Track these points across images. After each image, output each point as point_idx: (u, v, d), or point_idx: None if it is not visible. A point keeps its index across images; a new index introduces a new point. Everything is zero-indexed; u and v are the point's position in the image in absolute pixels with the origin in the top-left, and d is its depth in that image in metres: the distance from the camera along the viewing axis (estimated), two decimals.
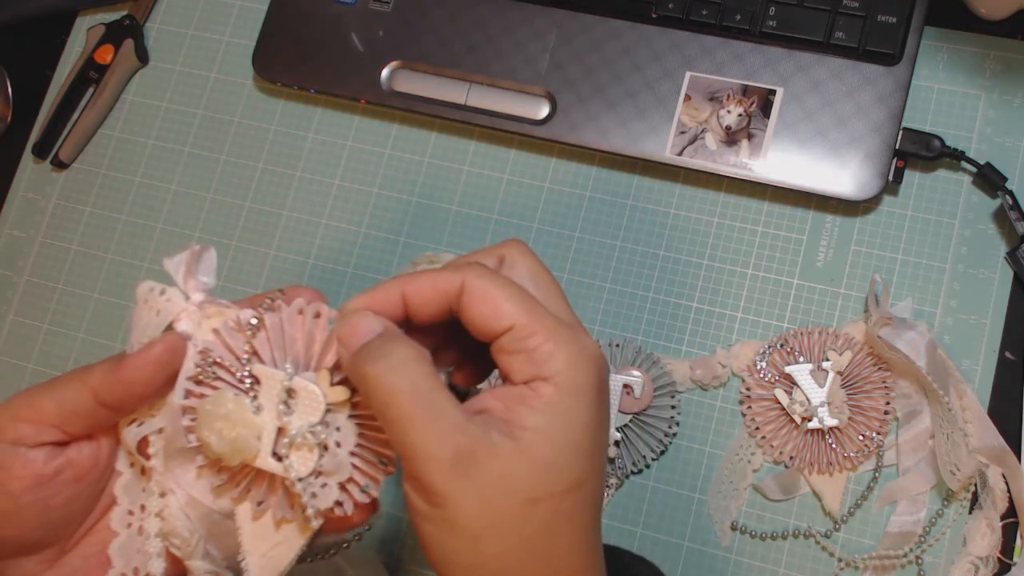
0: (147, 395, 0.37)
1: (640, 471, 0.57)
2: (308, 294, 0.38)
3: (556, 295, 0.37)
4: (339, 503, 0.37)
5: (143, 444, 0.39)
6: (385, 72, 0.63)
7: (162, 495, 0.39)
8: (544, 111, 0.61)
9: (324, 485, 0.37)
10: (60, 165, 0.68)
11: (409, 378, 0.33)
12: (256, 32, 0.67)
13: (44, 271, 0.68)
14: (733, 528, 0.55)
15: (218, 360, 0.37)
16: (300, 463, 0.37)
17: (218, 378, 0.37)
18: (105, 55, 0.69)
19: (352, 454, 0.37)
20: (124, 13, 0.70)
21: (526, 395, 0.34)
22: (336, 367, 0.37)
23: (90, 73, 0.69)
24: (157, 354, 0.37)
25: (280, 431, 0.37)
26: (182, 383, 0.37)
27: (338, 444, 0.37)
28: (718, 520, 0.55)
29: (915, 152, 0.56)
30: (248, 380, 0.37)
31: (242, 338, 0.37)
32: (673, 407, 0.56)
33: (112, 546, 0.39)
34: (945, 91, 0.59)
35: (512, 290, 0.35)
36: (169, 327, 0.38)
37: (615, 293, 0.59)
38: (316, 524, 0.37)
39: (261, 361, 0.37)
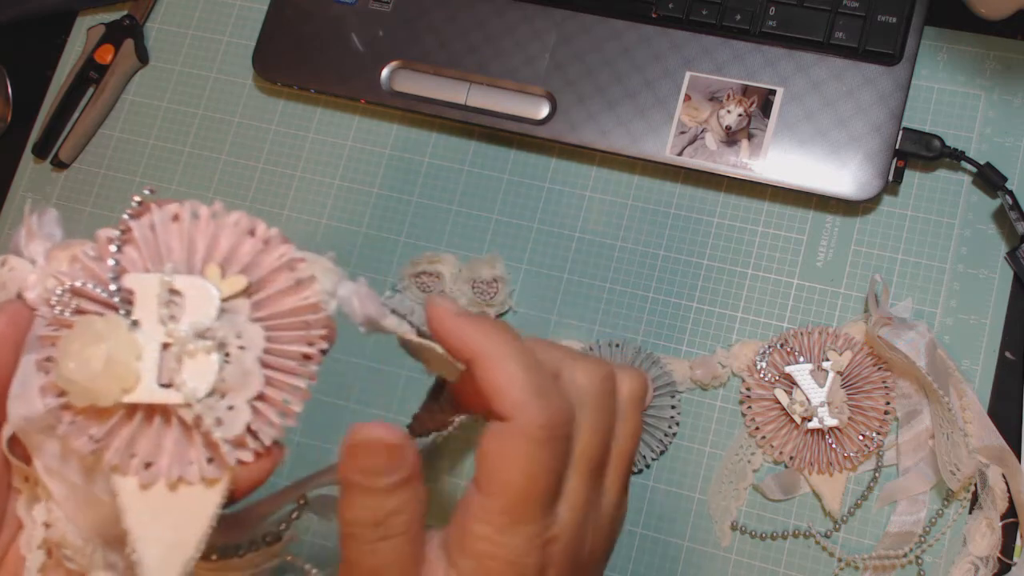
0: (3, 378, 0.31)
1: (640, 471, 0.57)
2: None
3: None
4: (252, 431, 0.30)
5: (16, 443, 0.32)
6: (385, 72, 0.63)
7: (48, 499, 0.32)
8: (544, 111, 0.61)
9: (231, 408, 0.29)
10: (60, 165, 0.68)
11: None
12: (256, 32, 0.67)
13: None
14: (733, 528, 0.55)
15: (76, 286, 0.30)
16: (197, 376, 0.29)
17: (80, 310, 0.30)
18: (105, 55, 0.69)
19: (262, 363, 0.30)
20: (124, 13, 0.70)
21: None
22: (227, 262, 0.30)
23: (90, 73, 0.69)
24: None
25: (166, 347, 0.29)
26: (34, 334, 0.30)
27: (242, 349, 0.29)
28: (718, 520, 0.55)
29: (915, 152, 0.56)
30: (118, 296, 0.29)
31: (106, 260, 0.30)
32: (673, 407, 0.56)
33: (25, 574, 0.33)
34: (945, 91, 0.59)
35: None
36: (19, 299, 0.31)
37: (615, 293, 0.59)
38: (238, 455, 0.29)
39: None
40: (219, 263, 0.30)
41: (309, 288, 0.31)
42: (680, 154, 0.59)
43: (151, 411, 0.30)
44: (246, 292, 0.30)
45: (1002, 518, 0.51)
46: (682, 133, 0.59)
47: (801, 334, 0.56)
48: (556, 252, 0.61)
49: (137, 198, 0.31)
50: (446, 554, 0.32)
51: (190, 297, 0.29)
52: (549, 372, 0.32)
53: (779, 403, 0.55)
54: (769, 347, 0.56)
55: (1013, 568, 0.51)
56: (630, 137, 0.59)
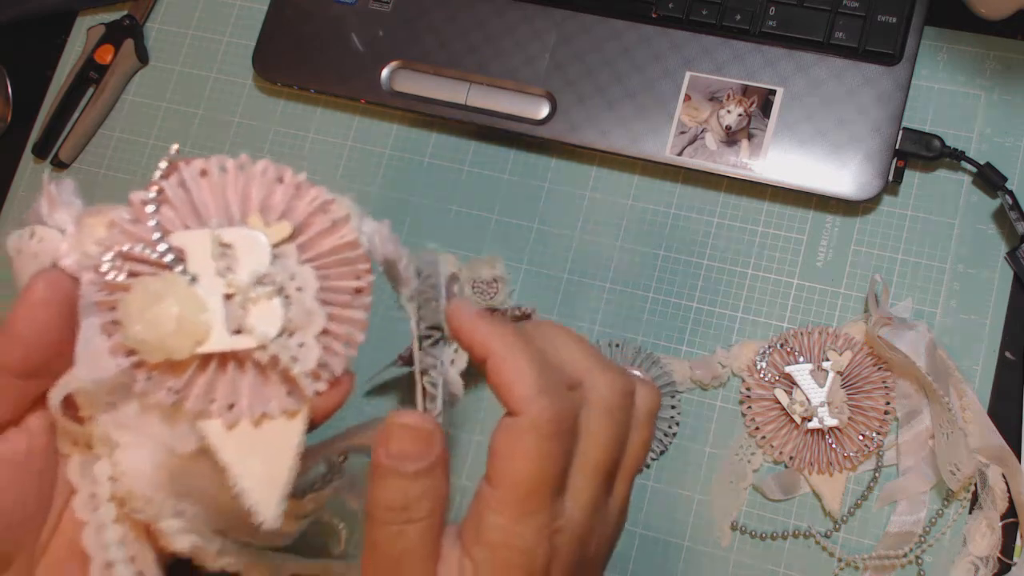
0: (48, 344, 0.32)
1: (640, 471, 0.56)
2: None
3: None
4: (323, 365, 0.32)
5: (71, 406, 0.33)
6: (385, 72, 0.63)
7: (111, 455, 0.33)
8: (544, 111, 0.61)
9: (301, 344, 0.31)
10: (60, 165, 0.68)
11: None
12: (256, 32, 0.67)
13: None
14: (733, 528, 0.55)
15: (126, 251, 0.31)
16: (264, 320, 0.31)
17: (132, 273, 0.31)
18: (105, 55, 0.69)
19: (321, 302, 0.32)
20: (124, 13, 0.70)
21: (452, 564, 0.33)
22: (263, 211, 0.32)
23: (90, 73, 0.69)
24: (38, 293, 0.32)
25: (228, 298, 0.31)
26: (88, 300, 0.31)
27: (299, 290, 0.31)
28: (718, 520, 0.55)
29: (915, 152, 0.56)
30: (170, 255, 0.31)
31: (147, 222, 0.31)
32: (673, 407, 0.56)
33: (85, 537, 0.35)
34: (945, 91, 0.59)
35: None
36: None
37: (615, 293, 0.59)
38: (316, 387, 0.31)
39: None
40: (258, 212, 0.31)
41: (345, 227, 0.33)
42: (680, 154, 0.59)
43: (224, 358, 0.31)
44: (290, 237, 0.32)
45: (1002, 518, 0.51)
46: (682, 133, 0.59)
47: (801, 334, 0.56)
48: (556, 252, 0.61)
49: (164, 161, 0.32)
50: (460, 545, 0.33)
51: (240, 248, 0.31)
52: (558, 372, 0.34)
53: (779, 403, 0.55)
54: (769, 347, 0.56)
55: (1013, 568, 0.51)
56: (630, 137, 0.59)
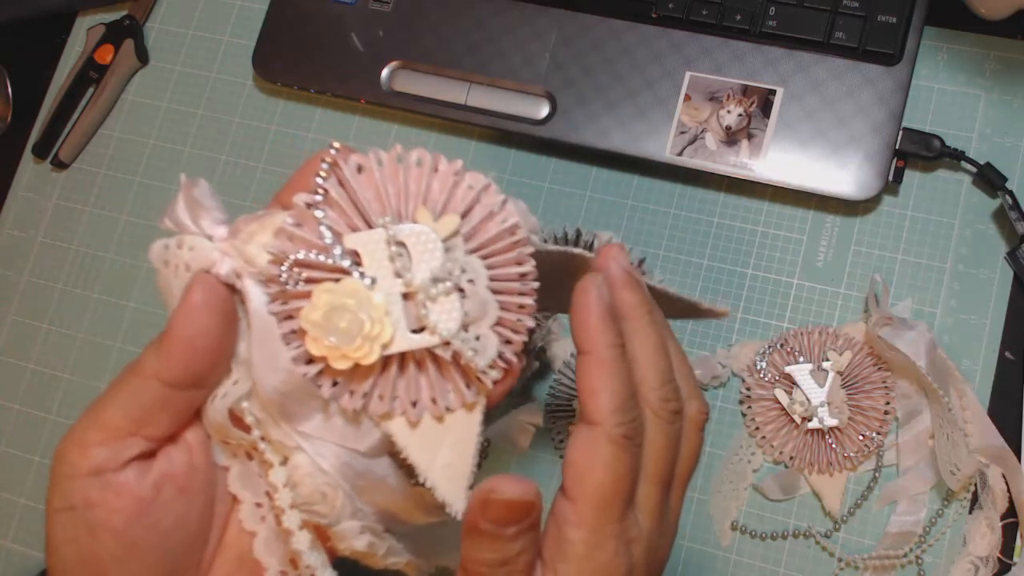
0: (210, 350, 0.32)
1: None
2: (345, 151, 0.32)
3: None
4: (502, 356, 0.32)
5: (235, 419, 0.33)
6: (385, 72, 0.63)
7: (284, 462, 0.33)
8: (544, 111, 0.61)
9: (478, 337, 0.31)
10: (60, 165, 0.69)
11: None
12: (256, 32, 0.67)
13: (44, 271, 0.68)
14: (733, 528, 0.55)
15: (301, 259, 0.30)
16: (445, 317, 0.31)
17: (310, 280, 0.31)
18: (105, 55, 0.69)
19: (491, 291, 0.32)
20: (124, 13, 0.70)
21: None
22: (425, 204, 0.32)
23: (90, 73, 0.69)
24: (197, 299, 0.31)
25: (406, 298, 0.31)
26: (262, 309, 0.31)
27: (471, 282, 0.31)
28: (718, 520, 0.55)
29: (915, 152, 0.56)
30: (346, 259, 0.30)
31: (313, 226, 0.31)
32: None
33: (256, 547, 0.34)
34: (945, 91, 0.59)
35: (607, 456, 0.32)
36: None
37: None
38: (493, 376, 0.31)
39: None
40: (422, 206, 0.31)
41: (503, 212, 0.33)
42: (680, 154, 0.59)
43: (405, 356, 0.31)
44: (458, 229, 0.32)
45: (1002, 518, 0.51)
46: (682, 133, 0.59)
47: (801, 334, 0.56)
48: None
49: (327, 160, 0.31)
50: (542, 564, 0.33)
51: (411, 244, 0.31)
52: (634, 388, 0.34)
53: (779, 403, 0.55)
54: (769, 347, 0.56)
55: (1013, 568, 0.51)
56: (630, 137, 0.59)
